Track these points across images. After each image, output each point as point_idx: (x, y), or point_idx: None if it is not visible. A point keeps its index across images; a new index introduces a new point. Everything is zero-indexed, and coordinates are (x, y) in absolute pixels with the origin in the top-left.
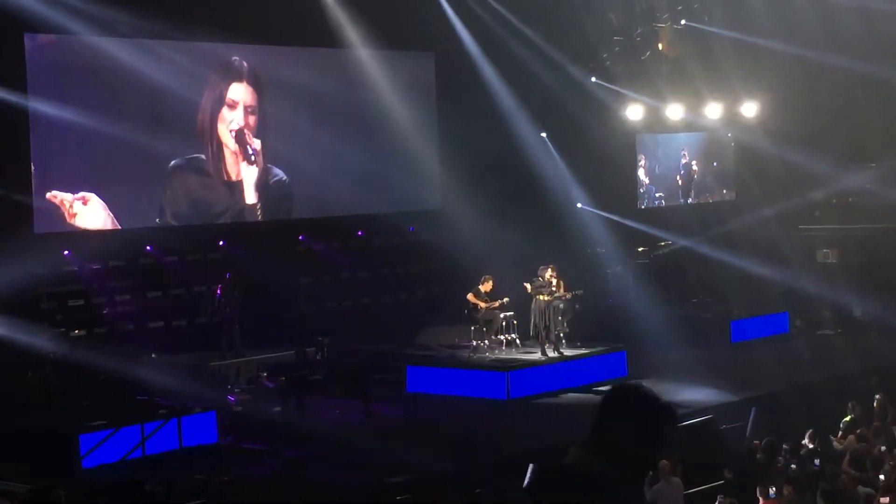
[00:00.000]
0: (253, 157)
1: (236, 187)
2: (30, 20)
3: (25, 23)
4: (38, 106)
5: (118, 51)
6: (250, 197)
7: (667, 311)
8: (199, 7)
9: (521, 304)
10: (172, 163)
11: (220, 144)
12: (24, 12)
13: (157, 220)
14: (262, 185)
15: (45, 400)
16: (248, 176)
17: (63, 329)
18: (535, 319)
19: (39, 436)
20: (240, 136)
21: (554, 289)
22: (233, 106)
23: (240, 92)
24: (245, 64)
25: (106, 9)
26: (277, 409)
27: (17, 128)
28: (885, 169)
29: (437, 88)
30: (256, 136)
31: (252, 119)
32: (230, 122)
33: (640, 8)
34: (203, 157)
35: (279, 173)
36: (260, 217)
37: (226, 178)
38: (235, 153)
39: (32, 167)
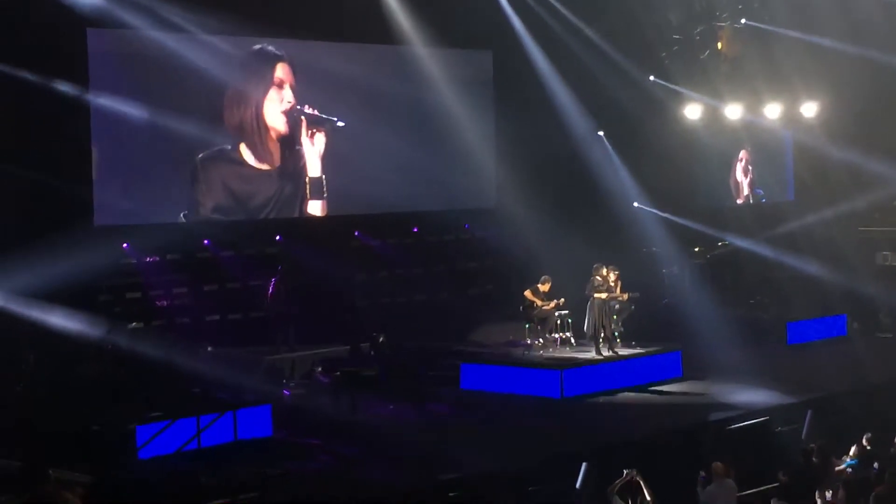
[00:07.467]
0: (314, 128)
1: (285, 170)
2: (92, 15)
3: (88, 17)
4: (100, 100)
5: (179, 46)
6: (314, 170)
7: (723, 311)
8: (259, 3)
9: (577, 304)
10: (201, 155)
11: (266, 130)
12: (87, 7)
13: (184, 215)
14: (330, 154)
15: (102, 392)
16: (312, 149)
17: (121, 321)
18: (592, 318)
19: (96, 427)
20: (293, 113)
21: (612, 285)
22: (280, 85)
23: (282, 71)
24: (272, 47)
25: (169, 4)
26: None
27: (78, 121)
28: None
29: (495, 86)
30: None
31: (294, 96)
32: (280, 101)
33: (699, 6)
34: (240, 146)
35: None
36: (326, 192)
37: (271, 164)
38: (285, 134)
39: (93, 160)
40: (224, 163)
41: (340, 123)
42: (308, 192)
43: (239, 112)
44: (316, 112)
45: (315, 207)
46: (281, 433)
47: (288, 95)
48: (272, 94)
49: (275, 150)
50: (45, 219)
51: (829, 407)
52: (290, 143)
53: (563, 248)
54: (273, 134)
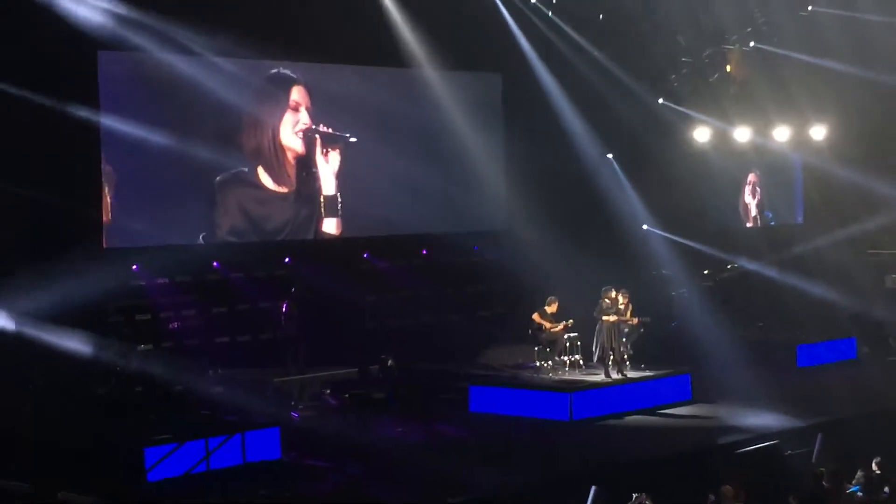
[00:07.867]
0: (328, 146)
1: (301, 193)
2: (104, 37)
3: (100, 40)
4: (110, 122)
5: (191, 69)
6: (329, 188)
7: (732, 334)
8: (269, 26)
9: (586, 326)
10: (219, 178)
11: (283, 153)
12: (98, 29)
13: (203, 237)
14: (343, 173)
15: (112, 413)
16: (326, 167)
17: (130, 343)
18: (601, 341)
19: (105, 449)
20: (308, 134)
21: (622, 308)
22: (296, 108)
23: (298, 94)
24: (288, 71)
25: (181, 27)
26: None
27: (89, 143)
28: None
29: (504, 109)
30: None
31: (309, 118)
32: (295, 124)
33: (708, 29)
34: (258, 169)
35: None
36: (340, 209)
37: (288, 187)
38: (302, 155)
39: (104, 182)
40: (241, 186)
41: (353, 139)
42: (323, 210)
43: (256, 136)
44: (329, 130)
45: (330, 225)
46: (290, 455)
47: (304, 117)
48: (288, 116)
49: (292, 172)
50: (55, 240)
51: (840, 430)
52: (306, 164)
53: (573, 270)
54: (290, 156)
